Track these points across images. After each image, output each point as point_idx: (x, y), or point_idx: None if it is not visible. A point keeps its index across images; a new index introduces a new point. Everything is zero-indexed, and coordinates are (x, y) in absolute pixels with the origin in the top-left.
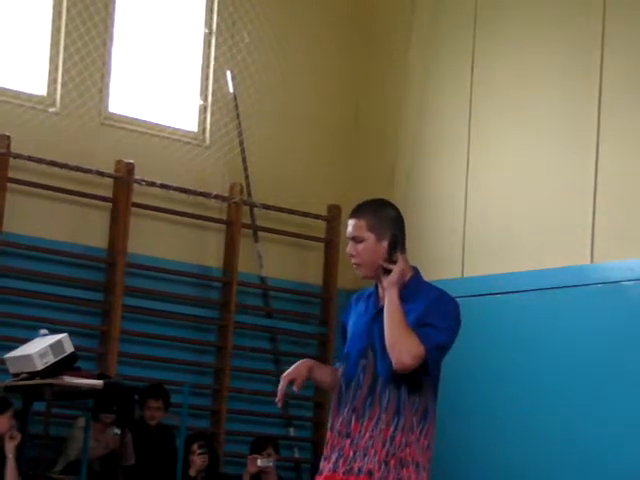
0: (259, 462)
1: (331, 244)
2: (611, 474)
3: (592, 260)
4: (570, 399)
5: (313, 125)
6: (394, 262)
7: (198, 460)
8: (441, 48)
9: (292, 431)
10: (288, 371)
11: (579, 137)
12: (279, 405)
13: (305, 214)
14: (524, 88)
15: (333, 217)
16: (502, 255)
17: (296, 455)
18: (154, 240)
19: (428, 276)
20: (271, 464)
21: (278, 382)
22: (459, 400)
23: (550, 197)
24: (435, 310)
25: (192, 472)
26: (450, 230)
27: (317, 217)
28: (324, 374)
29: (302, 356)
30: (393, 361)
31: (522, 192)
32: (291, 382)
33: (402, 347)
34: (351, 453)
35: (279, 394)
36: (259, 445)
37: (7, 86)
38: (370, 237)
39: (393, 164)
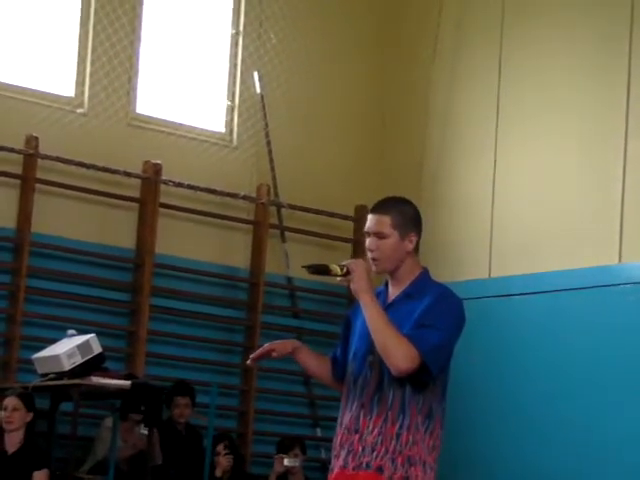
0: (286, 462)
1: (359, 244)
2: (633, 475)
3: (620, 260)
4: (599, 398)
5: (340, 126)
6: (345, 274)
7: (224, 461)
8: (468, 49)
9: (319, 431)
10: (274, 342)
11: (607, 138)
12: (249, 362)
13: (332, 214)
14: (551, 90)
15: (360, 217)
16: (529, 255)
17: (323, 455)
18: (181, 241)
19: (455, 276)
20: (297, 464)
21: (305, 383)
22: (488, 399)
23: (578, 197)
24: (436, 309)
25: (218, 472)
26: (477, 231)
27: (344, 217)
28: (310, 358)
29: None
30: (390, 368)
31: (549, 192)
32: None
33: (393, 353)
34: (360, 448)
35: (255, 353)
36: (286, 445)
37: (35, 87)
38: (393, 234)
39: (420, 165)
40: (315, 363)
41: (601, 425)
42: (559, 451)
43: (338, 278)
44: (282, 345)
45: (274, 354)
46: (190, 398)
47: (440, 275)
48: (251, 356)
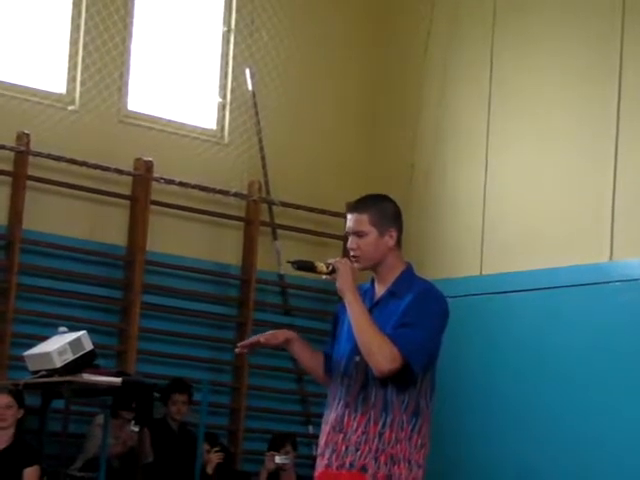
0: (277, 459)
1: None
2: (626, 475)
3: (611, 258)
4: (589, 396)
5: (332, 123)
6: (330, 272)
7: (215, 458)
8: (460, 48)
9: (311, 428)
10: (265, 333)
11: (598, 136)
12: (237, 350)
13: (323, 211)
14: (543, 89)
15: None
16: (520, 253)
17: (314, 453)
18: (173, 238)
19: (446, 273)
20: (289, 461)
21: (297, 379)
22: (478, 397)
23: (569, 195)
24: (417, 307)
25: (209, 470)
26: (468, 228)
27: (335, 214)
28: (304, 351)
29: None
30: (372, 368)
31: (541, 190)
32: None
33: (375, 354)
34: (343, 448)
35: (244, 342)
36: (277, 442)
37: (26, 84)
38: (372, 232)
39: (412, 162)
40: (308, 356)
41: (593, 423)
42: (549, 449)
43: (323, 276)
44: (272, 335)
45: (262, 340)
46: (188, 395)
47: (432, 272)
48: (239, 344)
